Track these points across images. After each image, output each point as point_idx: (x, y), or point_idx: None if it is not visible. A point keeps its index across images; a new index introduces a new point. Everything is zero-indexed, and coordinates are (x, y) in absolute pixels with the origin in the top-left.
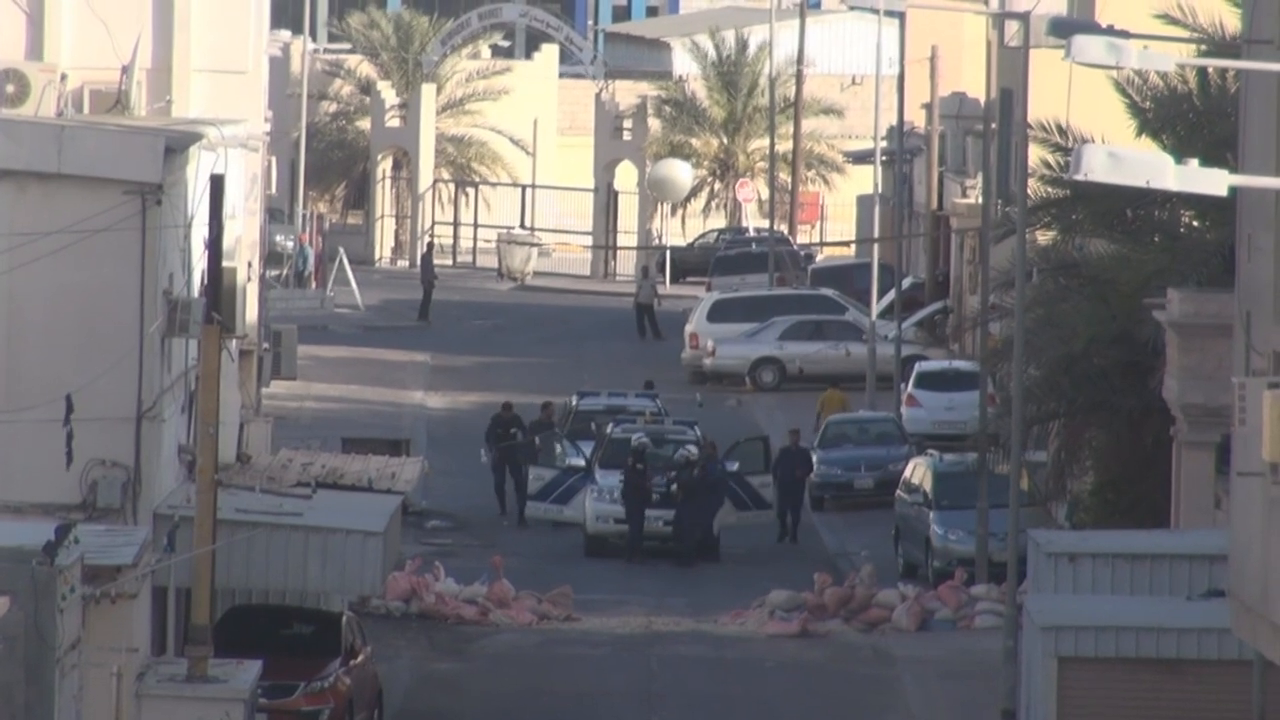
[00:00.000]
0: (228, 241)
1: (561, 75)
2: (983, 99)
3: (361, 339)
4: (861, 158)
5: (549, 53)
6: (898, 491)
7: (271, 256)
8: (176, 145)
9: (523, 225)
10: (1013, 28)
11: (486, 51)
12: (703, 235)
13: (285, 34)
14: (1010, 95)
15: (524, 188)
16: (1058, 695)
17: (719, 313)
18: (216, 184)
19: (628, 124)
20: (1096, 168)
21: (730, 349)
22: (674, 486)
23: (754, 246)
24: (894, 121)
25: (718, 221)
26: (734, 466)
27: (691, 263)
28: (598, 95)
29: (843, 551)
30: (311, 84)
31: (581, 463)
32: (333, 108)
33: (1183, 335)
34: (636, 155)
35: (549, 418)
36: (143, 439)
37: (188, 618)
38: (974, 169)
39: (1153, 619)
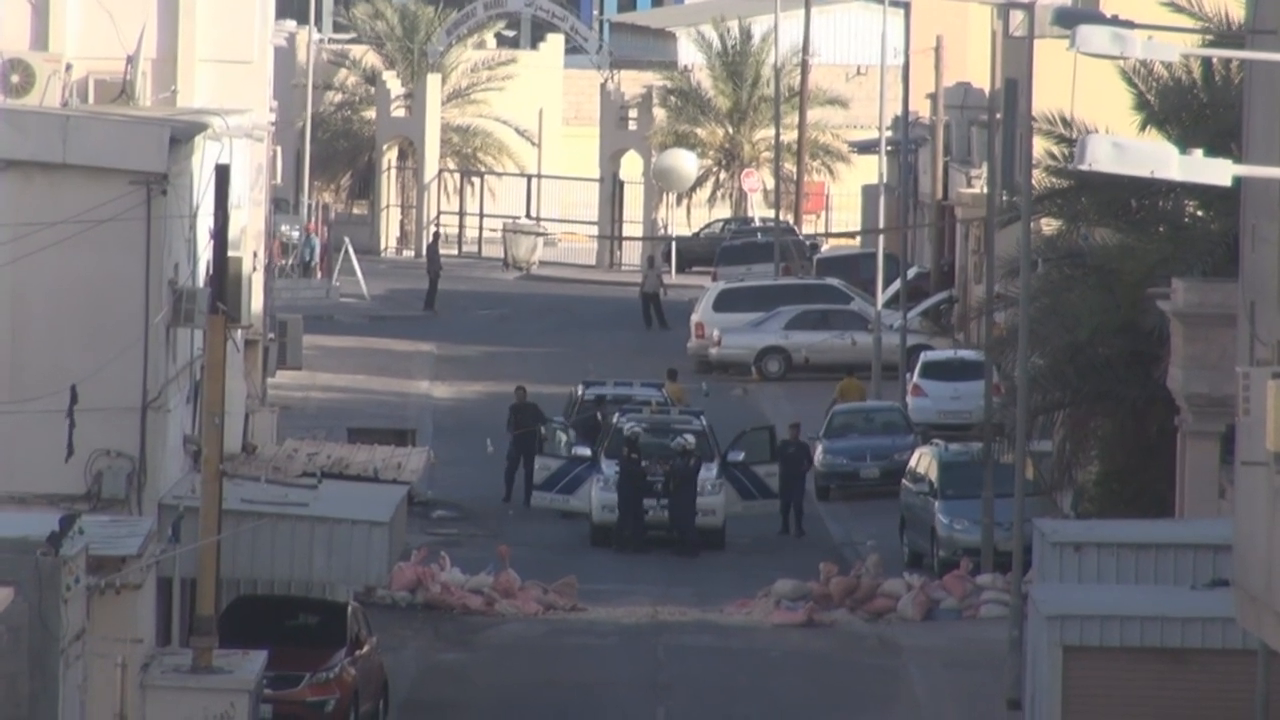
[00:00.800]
0: (233, 231)
1: (567, 65)
2: (988, 89)
3: (367, 329)
4: (866, 148)
5: (554, 43)
6: (903, 481)
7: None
8: (181, 135)
9: (528, 215)
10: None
11: (492, 41)
12: (708, 225)
13: (290, 24)
14: (1015, 85)
15: (529, 177)
16: (1063, 684)
17: (725, 302)
18: (222, 174)
19: (633, 114)
20: (1101, 158)
21: (736, 338)
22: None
23: (759, 236)
24: (899, 111)
25: (723, 211)
26: (739, 456)
27: (697, 252)
28: (603, 85)
29: (848, 541)
30: (317, 74)
31: (587, 452)
32: (338, 98)
33: (1187, 325)
34: (642, 145)
35: (522, 400)
36: (148, 429)
37: (193, 608)
38: (979, 159)
39: (1157, 608)
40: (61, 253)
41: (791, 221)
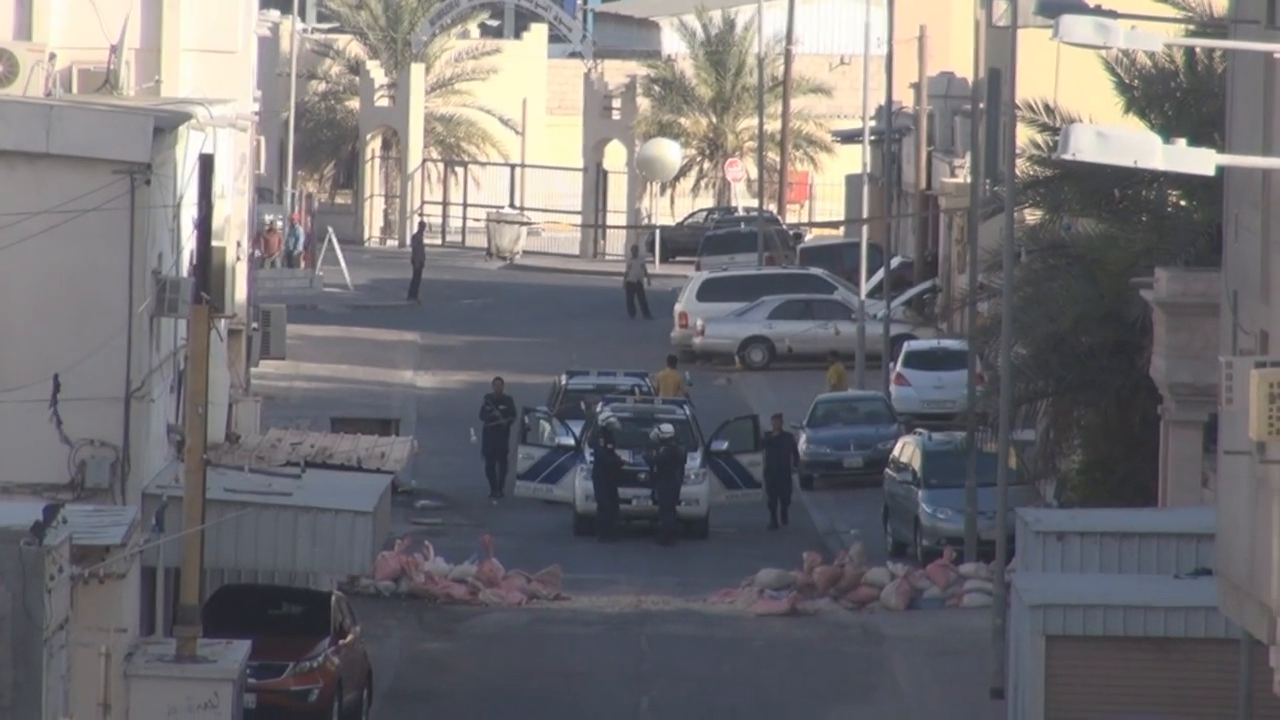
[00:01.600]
0: (217, 221)
1: (550, 55)
2: (971, 79)
3: (351, 318)
4: (850, 137)
5: (538, 32)
6: (886, 470)
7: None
8: (165, 125)
9: (512, 205)
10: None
11: (475, 31)
12: (692, 214)
13: (274, 14)
14: (998, 75)
15: (513, 167)
16: (1046, 673)
17: (708, 292)
18: (205, 164)
19: (617, 103)
20: (1085, 147)
21: (719, 328)
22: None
23: (743, 226)
24: (882, 101)
25: (707, 201)
26: (723, 445)
27: (681, 242)
28: (587, 75)
29: (832, 530)
30: (301, 64)
31: (571, 441)
32: (322, 87)
33: (1170, 314)
34: (625, 135)
35: (500, 391)
36: (131, 419)
37: (176, 598)
38: (962, 149)
39: (1140, 597)
40: (45, 242)
41: (775, 211)
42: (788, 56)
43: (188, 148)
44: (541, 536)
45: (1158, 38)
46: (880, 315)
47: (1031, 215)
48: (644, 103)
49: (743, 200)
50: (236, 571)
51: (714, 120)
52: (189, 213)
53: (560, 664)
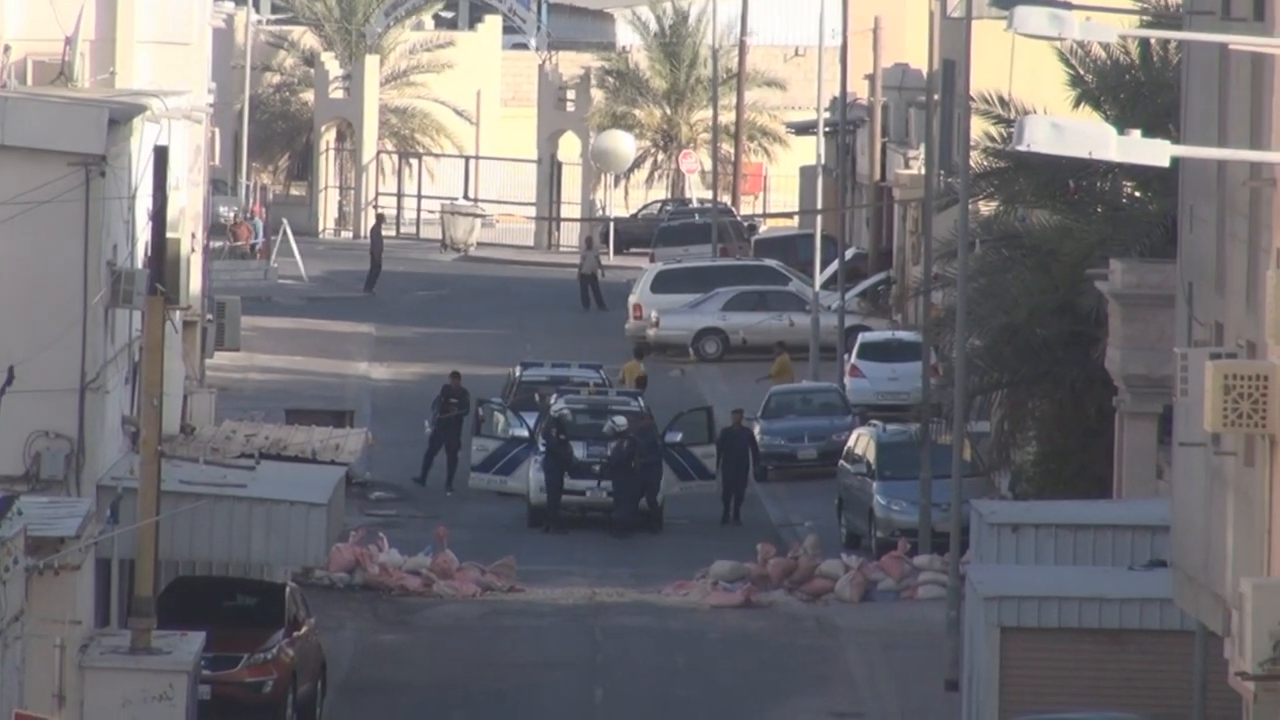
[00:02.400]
0: (171, 213)
1: (505, 46)
2: (925, 70)
3: (305, 310)
4: (804, 129)
5: (492, 24)
6: (841, 462)
7: (215, 228)
8: (120, 117)
9: (466, 196)
10: None
11: (430, 23)
12: (646, 206)
13: (229, 6)
14: (953, 66)
15: (467, 159)
16: (1000, 665)
17: (662, 283)
18: (160, 155)
19: (571, 95)
20: (1039, 139)
21: (674, 320)
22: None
23: (697, 217)
24: (836, 93)
25: (661, 193)
26: (677, 437)
27: (635, 234)
28: (541, 66)
29: (786, 522)
30: (255, 56)
31: (525, 433)
32: (276, 79)
33: (1125, 306)
34: (580, 126)
35: (458, 386)
36: (86, 410)
37: (131, 589)
38: (917, 140)
39: (1095, 589)
40: None
41: (729, 203)
42: (742, 48)
43: (142, 139)
44: (496, 528)
45: (1112, 29)
46: (834, 307)
47: (986, 207)
48: (598, 94)
49: (697, 192)
50: (191, 563)
51: (668, 112)
52: (144, 204)
53: (515, 656)
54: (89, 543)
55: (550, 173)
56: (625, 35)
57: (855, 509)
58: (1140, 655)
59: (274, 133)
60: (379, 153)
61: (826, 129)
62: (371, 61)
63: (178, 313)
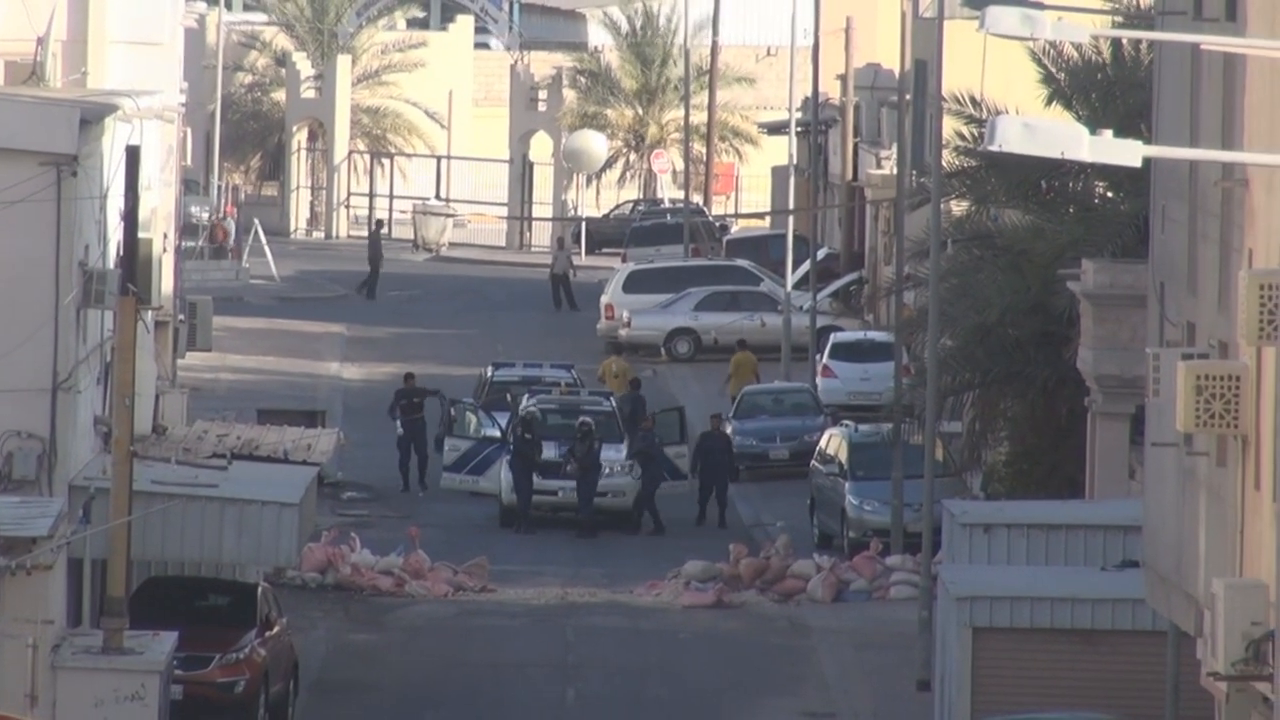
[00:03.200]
0: (143, 213)
1: (477, 46)
2: (897, 70)
3: (277, 310)
4: (776, 129)
5: (464, 24)
6: (813, 462)
7: (187, 228)
8: (92, 117)
9: (438, 196)
10: None
11: (402, 23)
12: (618, 206)
13: (200, 5)
14: (925, 66)
15: (439, 159)
16: (972, 665)
17: (634, 284)
18: (132, 155)
19: (543, 95)
20: (1011, 139)
21: (645, 320)
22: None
23: (669, 217)
24: (808, 93)
25: (632, 192)
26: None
27: (607, 234)
28: (513, 66)
29: (758, 522)
30: (227, 56)
31: (497, 434)
32: (248, 79)
33: (1097, 306)
34: (552, 126)
35: (411, 386)
36: (58, 410)
37: (103, 589)
38: (889, 140)
39: (1067, 589)
40: None
41: (701, 203)
42: (714, 48)
43: (114, 139)
44: (468, 528)
45: (1084, 29)
46: (806, 307)
47: (958, 207)
48: (570, 94)
49: (668, 192)
50: (163, 563)
51: (639, 112)
52: (116, 204)
53: (487, 655)
54: (61, 543)
55: (522, 173)
56: (597, 35)
57: (827, 509)
58: (1112, 656)
59: (246, 133)
60: (351, 153)
61: (798, 129)
62: (343, 61)
63: (149, 313)
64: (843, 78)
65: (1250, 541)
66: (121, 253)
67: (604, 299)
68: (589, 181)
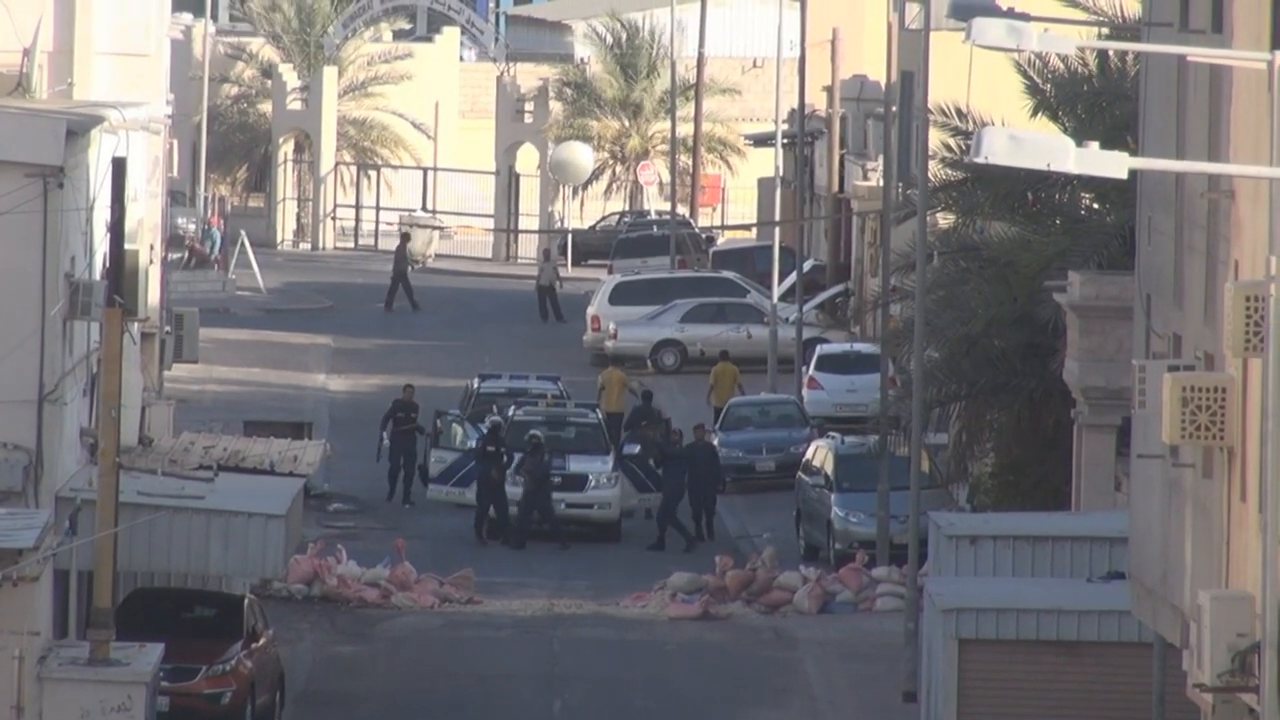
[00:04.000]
0: (129, 224)
1: (463, 58)
2: (884, 82)
3: (263, 322)
4: (762, 141)
5: (450, 35)
6: (799, 474)
7: (174, 240)
8: (78, 128)
9: (424, 208)
10: (913, 10)
11: (388, 35)
12: (604, 218)
13: (187, 17)
14: (911, 78)
15: (425, 170)
16: (958, 677)
17: (620, 295)
18: (118, 167)
19: (529, 107)
20: (997, 151)
21: (632, 331)
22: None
23: (655, 229)
24: (795, 104)
25: (619, 204)
26: (635, 449)
27: (593, 245)
28: (499, 78)
29: (744, 534)
30: (213, 67)
31: None
32: (234, 91)
33: (1083, 317)
34: (538, 138)
35: (409, 398)
36: (44, 422)
37: (90, 601)
38: (875, 152)
39: (1053, 601)
40: None
41: (687, 214)
42: (700, 60)
43: (100, 151)
44: (454, 540)
45: (1070, 40)
46: (792, 319)
47: (944, 218)
48: (556, 106)
49: (655, 204)
50: (150, 575)
51: (625, 124)
52: (102, 216)
53: (473, 667)
54: (47, 554)
55: (508, 184)
56: (583, 47)
57: (813, 521)
58: (1098, 667)
59: (232, 144)
60: (337, 164)
61: (785, 141)
62: (330, 73)
63: (136, 324)
64: (829, 89)
65: (1236, 553)
66: (108, 264)
67: (590, 311)
68: (575, 193)
